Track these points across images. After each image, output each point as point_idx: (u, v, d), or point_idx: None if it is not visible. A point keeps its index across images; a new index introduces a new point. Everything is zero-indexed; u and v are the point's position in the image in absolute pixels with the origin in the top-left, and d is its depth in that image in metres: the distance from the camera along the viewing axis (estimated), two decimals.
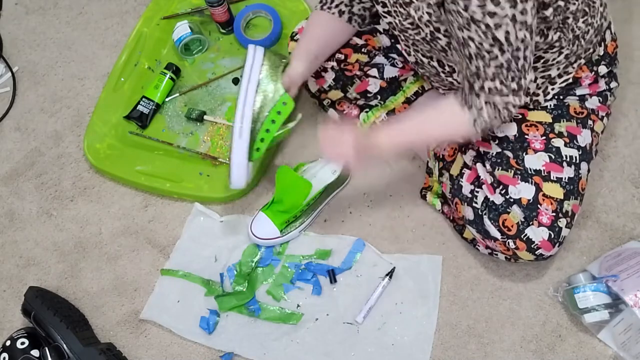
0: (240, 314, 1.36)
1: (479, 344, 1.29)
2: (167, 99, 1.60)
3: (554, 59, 1.18)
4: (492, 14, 0.97)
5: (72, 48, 1.77)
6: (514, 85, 1.07)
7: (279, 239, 1.40)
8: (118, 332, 1.39)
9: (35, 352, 1.31)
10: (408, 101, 1.42)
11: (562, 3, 1.08)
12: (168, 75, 1.60)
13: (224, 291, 1.38)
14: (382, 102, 1.42)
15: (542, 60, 1.17)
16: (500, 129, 1.26)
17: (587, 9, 1.15)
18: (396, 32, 1.22)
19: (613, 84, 1.29)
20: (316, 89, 1.43)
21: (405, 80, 1.43)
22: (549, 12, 1.06)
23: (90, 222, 1.52)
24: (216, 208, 1.48)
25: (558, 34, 1.13)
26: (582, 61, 1.22)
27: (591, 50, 1.22)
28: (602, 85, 1.27)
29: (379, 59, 1.40)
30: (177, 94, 1.60)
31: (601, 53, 1.25)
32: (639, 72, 1.52)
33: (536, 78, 1.21)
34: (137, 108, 1.58)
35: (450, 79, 1.25)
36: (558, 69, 1.20)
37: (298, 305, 1.35)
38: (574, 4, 1.11)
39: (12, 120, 1.68)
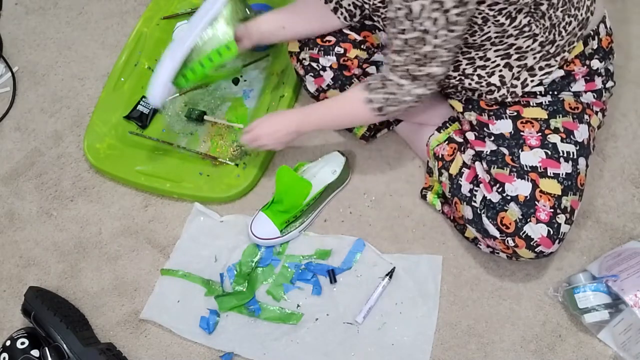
0: (240, 314, 1.36)
1: (479, 344, 1.29)
2: (167, 99, 1.60)
3: (528, 46, 1.17)
4: None
5: (72, 48, 1.77)
6: (412, 68, 1.10)
7: (279, 239, 1.40)
8: (118, 332, 1.39)
9: (35, 352, 1.31)
10: None
11: None
12: None
13: (224, 291, 1.38)
14: None
15: (514, 47, 1.17)
16: (496, 127, 1.26)
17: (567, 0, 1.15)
18: (374, 17, 1.24)
19: (609, 84, 1.29)
20: (315, 89, 1.43)
21: None
22: None
23: (90, 222, 1.52)
24: (216, 208, 1.48)
25: (528, 18, 1.12)
26: (567, 55, 1.22)
27: (574, 44, 1.22)
28: (598, 84, 1.27)
29: (378, 56, 1.41)
30: (177, 94, 1.60)
31: (595, 47, 1.24)
32: (638, 72, 1.52)
33: (512, 67, 1.21)
34: (137, 108, 1.58)
35: None
36: (535, 57, 1.20)
37: (298, 305, 1.35)
38: None
39: (12, 120, 1.68)
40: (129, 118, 1.58)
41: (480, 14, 1.09)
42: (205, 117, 1.56)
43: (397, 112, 1.21)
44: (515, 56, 1.19)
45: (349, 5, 1.32)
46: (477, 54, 1.20)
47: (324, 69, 1.40)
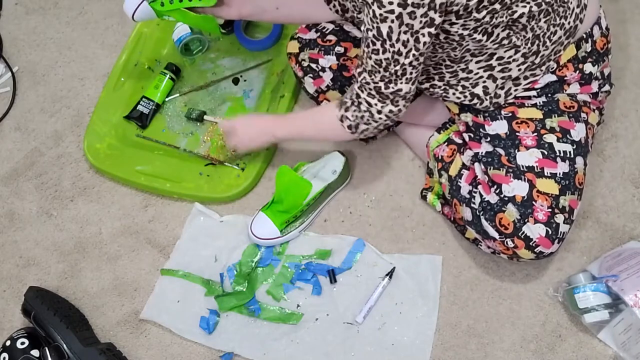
0: (240, 314, 1.36)
1: (479, 344, 1.29)
2: (167, 99, 1.60)
3: (510, 57, 1.17)
4: (380, 4, 1.00)
5: (72, 48, 1.77)
6: (381, 85, 1.11)
7: (279, 239, 1.40)
8: (118, 332, 1.39)
9: (35, 352, 1.31)
10: None
11: (498, 7, 1.06)
12: (168, 75, 1.60)
13: (224, 291, 1.38)
14: None
15: (495, 57, 1.17)
16: (491, 128, 1.25)
17: (550, 9, 1.13)
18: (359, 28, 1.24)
19: (606, 88, 1.28)
20: (314, 90, 1.43)
21: None
22: (481, 15, 1.06)
23: (90, 222, 1.52)
24: (216, 208, 1.48)
25: (507, 31, 1.12)
26: (552, 63, 1.22)
27: (561, 53, 1.21)
28: (594, 87, 1.26)
29: None
30: (178, 94, 1.61)
31: (588, 50, 1.24)
32: (638, 72, 1.52)
33: (496, 78, 1.21)
34: (137, 108, 1.58)
35: None
36: (519, 69, 1.19)
37: (298, 305, 1.35)
38: (525, 6, 1.09)
39: (12, 120, 1.68)
40: (129, 118, 1.58)
41: (456, 32, 1.09)
42: (205, 117, 1.56)
43: (369, 132, 1.21)
44: (499, 68, 1.19)
45: (353, 11, 1.32)
46: (459, 66, 1.20)
47: (323, 69, 1.40)
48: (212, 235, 1.45)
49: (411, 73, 1.10)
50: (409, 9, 0.99)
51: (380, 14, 1.01)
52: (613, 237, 1.34)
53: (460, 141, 1.33)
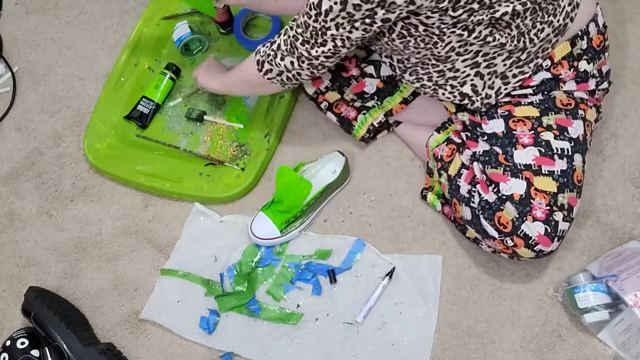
0: (240, 314, 1.36)
1: (479, 344, 1.29)
2: (171, 104, 1.60)
3: (495, 52, 1.17)
4: None
5: (72, 48, 1.77)
6: (299, 40, 1.16)
7: (279, 239, 1.40)
8: (118, 332, 1.39)
9: (35, 352, 1.31)
10: (405, 101, 1.42)
11: (476, 6, 1.06)
12: (168, 75, 1.60)
13: (224, 291, 1.38)
14: (379, 103, 1.42)
15: (481, 54, 1.17)
16: (488, 127, 1.25)
17: (537, 7, 1.12)
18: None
19: (604, 85, 1.28)
20: (313, 91, 1.43)
21: (402, 79, 1.43)
22: (457, 13, 1.06)
23: (90, 222, 1.52)
24: (216, 208, 1.48)
25: (489, 29, 1.12)
26: (540, 61, 1.21)
27: (549, 50, 1.21)
28: (591, 85, 1.26)
29: (376, 55, 1.40)
30: (180, 99, 1.60)
31: (584, 47, 1.23)
32: (638, 71, 1.52)
33: (482, 75, 1.20)
34: (137, 108, 1.58)
35: (407, 78, 1.26)
36: (505, 64, 1.19)
37: (298, 305, 1.35)
38: (508, 5, 1.08)
39: (12, 120, 1.68)
40: (129, 118, 1.58)
41: (433, 24, 1.09)
42: (205, 117, 1.56)
43: (272, 76, 1.25)
44: (484, 64, 1.18)
45: None
46: (446, 66, 1.20)
47: None
48: (212, 235, 1.45)
49: (330, 50, 1.14)
50: (356, 0, 1.01)
51: None
52: (613, 237, 1.34)
53: (459, 141, 1.33)
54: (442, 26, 1.08)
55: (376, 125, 1.43)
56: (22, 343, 1.31)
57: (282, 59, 1.21)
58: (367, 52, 1.39)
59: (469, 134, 1.28)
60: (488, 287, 1.33)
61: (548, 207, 1.17)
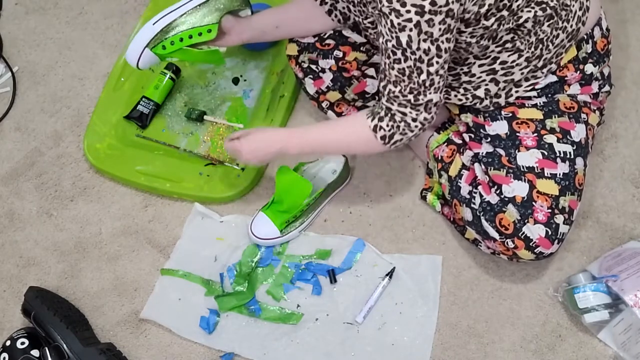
0: (240, 314, 1.36)
1: (479, 344, 1.29)
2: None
3: (513, 61, 1.17)
4: (398, 13, 0.99)
5: (72, 48, 1.77)
6: (410, 98, 1.09)
7: (279, 239, 1.40)
8: (118, 332, 1.38)
9: (35, 352, 1.31)
10: None
11: (506, 13, 1.07)
12: (168, 75, 1.60)
13: (224, 291, 1.38)
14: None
15: (499, 61, 1.17)
16: (492, 128, 1.25)
17: (554, 14, 1.14)
18: (366, 34, 1.24)
19: (606, 88, 1.29)
20: (314, 91, 1.43)
21: None
22: (490, 22, 1.06)
23: (90, 222, 1.52)
24: (216, 208, 1.48)
25: (511, 34, 1.13)
26: (554, 66, 1.22)
27: (562, 55, 1.21)
28: (594, 88, 1.26)
29: (377, 57, 1.40)
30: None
31: (589, 51, 1.24)
32: (639, 72, 1.52)
33: (498, 82, 1.21)
34: (137, 108, 1.58)
35: None
36: (522, 72, 1.20)
37: (298, 305, 1.35)
38: (530, 11, 1.10)
39: (12, 120, 1.68)
40: (129, 118, 1.58)
41: (464, 40, 1.10)
42: (205, 117, 1.56)
43: (401, 143, 1.17)
44: (502, 72, 1.19)
45: (343, 8, 1.32)
46: (462, 69, 1.20)
47: (323, 70, 1.40)
48: (212, 235, 1.45)
49: (439, 82, 1.09)
50: (427, 16, 0.99)
51: (399, 24, 1.00)
52: (613, 237, 1.34)
53: (460, 141, 1.33)
54: (472, 40, 1.10)
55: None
56: (22, 343, 1.31)
57: (414, 121, 1.13)
58: (367, 55, 1.39)
59: (472, 136, 1.29)
60: (488, 287, 1.33)
61: (549, 210, 1.17)
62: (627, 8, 1.60)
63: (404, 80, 1.08)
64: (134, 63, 1.33)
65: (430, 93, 1.09)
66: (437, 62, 1.06)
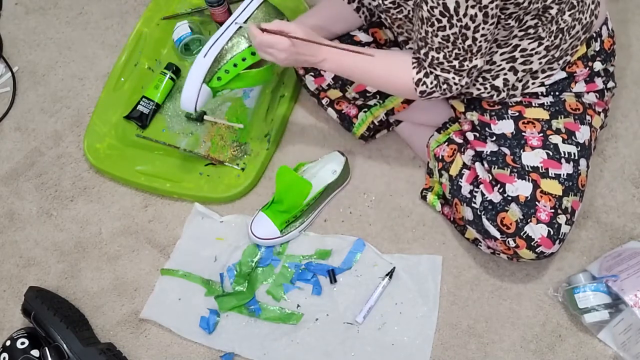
0: (240, 314, 1.36)
1: (479, 344, 1.29)
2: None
3: (532, 49, 1.17)
4: None
5: (72, 48, 1.77)
6: (455, 64, 1.10)
7: (279, 239, 1.40)
8: (118, 332, 1.39)
9: (35, 352, 1.31)
10: (407, 100, 1.41)
11: None
12: (168, 75, 1.60)
13: (224, 291, 1.38)
14: (381, 102, 1.42)
15: (519, 49, 1.17)
16: (497, 127, 1.26)
17: (575, 3, 1.15)
18: (382, 16, 1.23)
19: (610, 84, 1.29)
20: (315, 88, 1.43)
21: None
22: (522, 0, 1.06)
23: (90, 222, 1.52)
24: (216, 208, 1.48)
25: (535, 20, 1.12)
26: (569, 58, 1.22)
27: (577, 47, 1.22)
28: (599, 84, 1.27)
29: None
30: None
31: (597, 49, 1.25)
32: (639, 72, 1.51)
33: (517, 71, 1.21)
34: (137, 108, 1.58)
35: None
36: (540, 62, 1.20)
37: (298, 305, 1.35)
38: None
39: (12, 120, 1.68)
40: (129, 118, 1.58)
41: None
42: (205, 117, 1.56)
43: (439, 99, 1.20)
44: (521, 60, 1.19)
45: (369, 3, 1.31)
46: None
47: None
48: (212, 235, 1.45)
49: (485, 48, 1.10)
50: None
51: None
52: (613, 237, 1.34)
53: (460, 141, 1.33)
54: (500, 17, 1.09)
55: (377, 124, 1.43)
56: (22, 343, 1.31)
57: (456, 84, 1.15)
58: None
59: (477, 134, 1.29)
60: (488, 287, 1.33)
61: (552, 210, 1.17)
62: (627, 8, 1.60)
63: (447, 47, 1.09)
64: (191, 107, 1.25)
65: (476, 59, 1.11)
66: (483, 28, 1.06)
